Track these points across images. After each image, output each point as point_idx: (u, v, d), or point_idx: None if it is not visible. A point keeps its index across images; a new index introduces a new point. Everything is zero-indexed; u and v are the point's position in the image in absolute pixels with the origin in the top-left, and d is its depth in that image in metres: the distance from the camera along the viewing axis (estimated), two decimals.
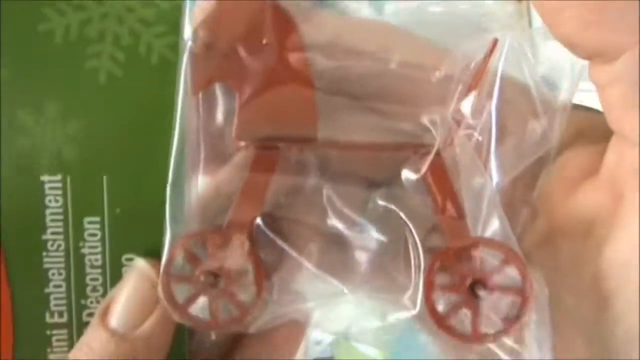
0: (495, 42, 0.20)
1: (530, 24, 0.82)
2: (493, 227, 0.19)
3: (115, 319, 0.21)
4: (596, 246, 0.19)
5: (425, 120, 0.19)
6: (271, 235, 0.21)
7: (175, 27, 0.20)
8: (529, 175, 0.21)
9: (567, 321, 0.20)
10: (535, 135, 0.20)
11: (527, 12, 0.86)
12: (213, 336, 0.23)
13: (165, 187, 0.20)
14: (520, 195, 0.21)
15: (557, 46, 0.64)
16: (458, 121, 0.19)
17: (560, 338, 0.20)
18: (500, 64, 0.20)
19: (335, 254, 0.21)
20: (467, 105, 0.19)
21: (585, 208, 0.20)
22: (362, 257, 0.21)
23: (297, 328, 0.24)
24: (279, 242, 0.21)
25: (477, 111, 0.19)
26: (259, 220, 0.20)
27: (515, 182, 0.21)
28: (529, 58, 0.21)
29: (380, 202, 0.20)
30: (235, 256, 0.19)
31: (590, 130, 0.21)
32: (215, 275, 0.19)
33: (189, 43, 0.19)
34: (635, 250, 0.18)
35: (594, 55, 0.19)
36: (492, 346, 0.19)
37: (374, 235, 0.21)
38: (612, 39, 0.18)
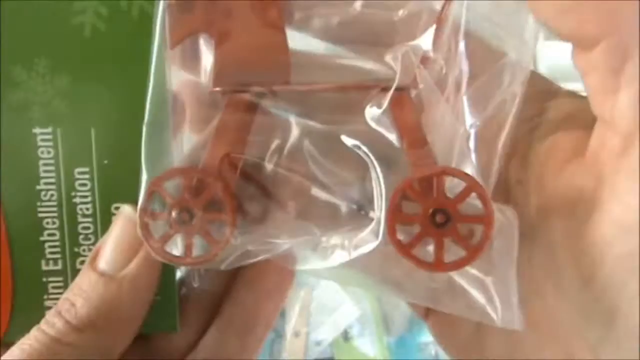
0: None
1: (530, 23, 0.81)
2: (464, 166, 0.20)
3: (104, 261, 0.22)
4: (578, 226, 0.19)
5: (388, 58, 0.20)
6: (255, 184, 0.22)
7: None
8: (520, 155, 0.21)
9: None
10: (503, 76, 0.21)
11: (527, 12, 0.85)
12: (196, 283, 0.24)
13: None
14: (514, 175, 0.22)
15: (557, 46, 0.63)
16: (423, 57, 0.20)
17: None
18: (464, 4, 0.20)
19: (316, 201, 0.22)
20: (427, 40, 0.20)
21: (571, 188, 0.20)
22: (342, 202, 0.22)
23: (284, 274, 0.25)
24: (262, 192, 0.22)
25: (439, 46, 0.20)
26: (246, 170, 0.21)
27: (508, 162, 0.21)
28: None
29: (347, 141, 0.20)
30: (208, 194, 0.20)
31: (581, 114, 0.21)
32: (189, 213, 0.20)
33: None
34: (614, 232, 0.19)
35: (573, 41, 0.19)
36: (456, 275, 0.19)
37: (350, 178, 0.22)
38: (588, 28, 0.18)
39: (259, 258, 0.21)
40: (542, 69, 0.67)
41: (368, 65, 0.20)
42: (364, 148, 0.20)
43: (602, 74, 0.18)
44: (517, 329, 0.19)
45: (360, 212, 0.22)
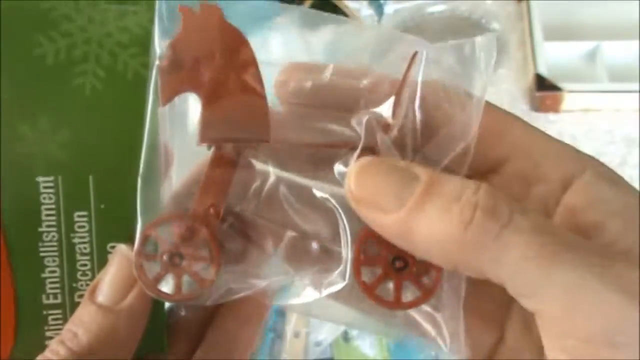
0: (414, 55, 0.23)
1: (530, 24, 0.85)
2: None
3: (102, 295, 0.25)
4: None
5: (353, 122, 0.23)
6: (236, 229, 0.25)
7: (147, 49, 0.24)
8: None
9: None
10: (456, 131, 0.23)
11: (527, 12, 0.89)
12: (183, 312, 0.27)
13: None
14: None
15: (557, 46, 0.68)
16: (384, 124, 0.23)
17: None
18: (420, 73, 0.23)
19: (292, 242, 0.25)
20: (387, 109, 0.23)
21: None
22: (314, 244, 0.25)
23: (261, 305, 0.28)
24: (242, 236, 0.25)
25: (397, 113, 0.23)
26: (230, 215, 0.24)
27: None
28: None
29: (318, 194, 0.24)
30: (197, 239, 0.23)
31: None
32: (179, 256, 0.23)
33: (157, 62, 0.23)
34: None
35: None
36: (412, 311, 0.23)
37: (321, 224, 0.25)
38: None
39: (240, 295, 0.24)
40: (542, 69, 0.70)
41: (335, 127, 0.24)
42: (332, 200, 0.23)
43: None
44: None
45: (330, 251, 0.25)
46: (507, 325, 0.24)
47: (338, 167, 0.23)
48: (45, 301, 0.26)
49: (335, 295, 0.24)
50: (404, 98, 0.23)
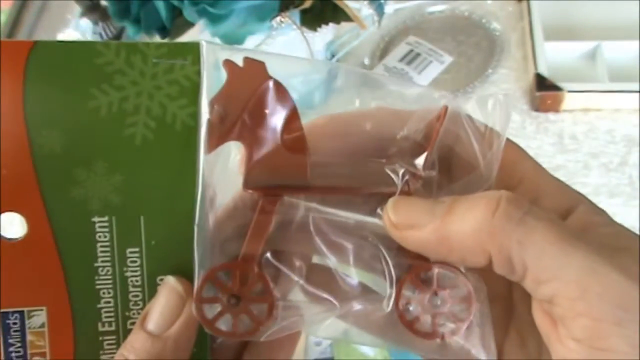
0: (445, 109, 0.27)
1: (530, 23, 0.90)
2: None
3: (151, 323, 0.29)
4: None
5: (389, 170, 0.27)
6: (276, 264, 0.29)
7: (194, 100, 0.28)
8: None
9: None
10: (480, 174, 0.27)
11: (528, 12, 0.94)
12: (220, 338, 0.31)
13: (187, 225, 0.28)
14: None
15: (557, 46, 0.73)
16: (413, 173, 0.27)
17: None
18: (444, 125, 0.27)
19: (326, 274, 0.29)
20: (420, 161, 0.27)
21: None
22: (352, 277, 0.29)
23: (294, 333, 0.32)
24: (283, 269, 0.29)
25: (428, 165, 0.27)
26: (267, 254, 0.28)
27: None
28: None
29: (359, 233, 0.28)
30: (252, 283, 0.27)
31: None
32: (236, 298, 0.27)
33: (206, 115, 0.27)
34: None
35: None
36: (447, 341, 0.27)
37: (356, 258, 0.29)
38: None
39: (292, 331, 0.28)
40: (542, 69, 0.73)
41: (370, 173, 0.27)
42: (372, 237, 0.27)
43: None
44: None
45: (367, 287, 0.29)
46: (505, 342, 0.29)
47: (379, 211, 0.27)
48: (100, 328, 0.30)
49: (372, 328, 0.28)
50: (434, 154, 0.27)
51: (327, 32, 0.73)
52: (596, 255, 0.23)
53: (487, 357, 0.27)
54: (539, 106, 0.73)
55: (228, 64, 0.27)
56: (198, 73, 0.28)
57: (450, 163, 0.28)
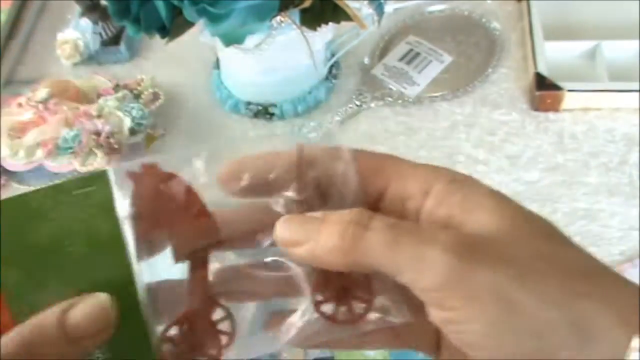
0: (300, 148, 0.32)
1: (530, 23, 0.90)
2: None
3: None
4: None
5: (272, 203, 0.33)
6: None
7: (113, 213, 0.33)
8: None
9: None
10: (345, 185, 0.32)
11: (527, 12, 0.94)
12: None
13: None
14: None
15: (557, 46, 0.74)
16: (292, 199, 0.32)
17: None
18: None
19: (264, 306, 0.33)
20: (293, 189, 0.32)
21: None
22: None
23: None
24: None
25: (301, 191, 0.32)
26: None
27: None
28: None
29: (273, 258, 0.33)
30: (200, 330, 0.32)
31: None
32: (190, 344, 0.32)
33: (125, 220, 0.32)
34: None
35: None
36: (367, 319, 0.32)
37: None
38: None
39: None
40: (542, 68, 0.73)
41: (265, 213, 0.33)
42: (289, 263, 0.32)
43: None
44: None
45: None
46: (442, 344, 0.33)
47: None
48: None
49: (312, 340, 0.32)
50: (304, 179, 0.32)
51: (327, 31, 0.73)
52: (416, 241, 0.27)
53: (403, 319, 0.31)
54: (538, 105, 0.73)
55: (129, 174, 0.33)
56: (111, 191, 0.33)
57: (321, 185, 0.33)
